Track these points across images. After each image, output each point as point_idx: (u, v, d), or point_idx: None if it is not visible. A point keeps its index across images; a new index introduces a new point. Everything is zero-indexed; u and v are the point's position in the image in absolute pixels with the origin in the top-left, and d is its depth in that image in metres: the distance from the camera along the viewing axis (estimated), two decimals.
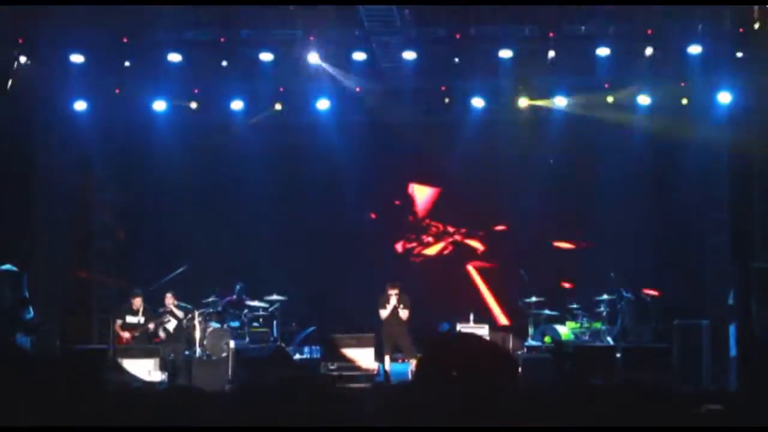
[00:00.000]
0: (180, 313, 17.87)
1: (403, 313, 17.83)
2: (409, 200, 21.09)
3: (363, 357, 17.87)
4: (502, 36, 17.30)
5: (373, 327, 17.95)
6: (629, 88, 18.19)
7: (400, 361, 18.04)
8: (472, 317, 18.57)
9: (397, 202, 20.98)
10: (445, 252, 20.90)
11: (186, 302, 18.03)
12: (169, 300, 17.92)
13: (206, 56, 17.57)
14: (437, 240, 21.05)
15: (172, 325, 17.93)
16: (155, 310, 17.99)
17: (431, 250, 21.03)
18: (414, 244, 21.01)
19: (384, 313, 17.91)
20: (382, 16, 16.66)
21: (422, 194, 21.01)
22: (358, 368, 17.64)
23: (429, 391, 3.02)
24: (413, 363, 17.21)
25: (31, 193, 18.40)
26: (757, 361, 15.23)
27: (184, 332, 17.72)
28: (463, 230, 20.91)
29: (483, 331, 18.20)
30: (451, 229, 20.93)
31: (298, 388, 4.08)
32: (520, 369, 17.21)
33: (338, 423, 3.83)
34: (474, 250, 20.80)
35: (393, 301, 17.84)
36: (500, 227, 20.52)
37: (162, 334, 17.88)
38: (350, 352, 17.94)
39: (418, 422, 3.07)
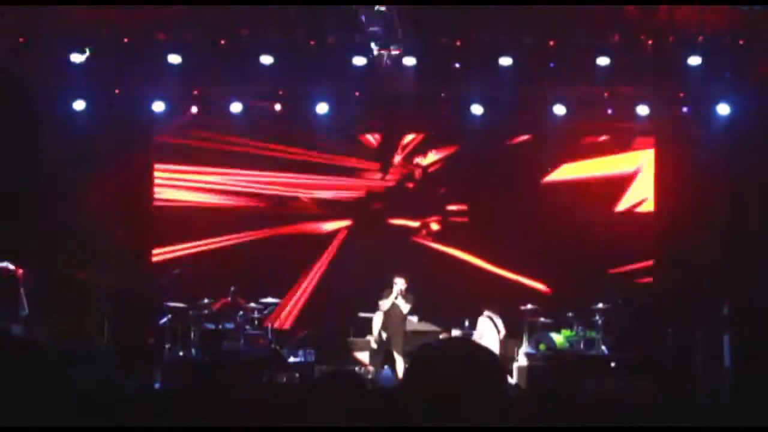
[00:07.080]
0: None
1: (404, 306, 17.43)
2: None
3: (358, 361, 17.86)
4: (502, 43, 17.30)
5: (368, 330, 17.95)
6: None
7: None
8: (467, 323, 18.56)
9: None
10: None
11: (181, 303, 18.06)
12: None
13: (206, 58, 17.56)
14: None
15: None
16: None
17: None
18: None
19: (383, 304, 17.61)
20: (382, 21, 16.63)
21: None
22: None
23: (416, 398, 3.03)
24: (399, 367, 17.10)
25: (29, 193, 18.39)
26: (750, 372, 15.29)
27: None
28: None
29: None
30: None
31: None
32: (513, 376, 17.26)
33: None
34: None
35: (395, 291, 17.41)
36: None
37: None
38: (345, 356, 17.95)
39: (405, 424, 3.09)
